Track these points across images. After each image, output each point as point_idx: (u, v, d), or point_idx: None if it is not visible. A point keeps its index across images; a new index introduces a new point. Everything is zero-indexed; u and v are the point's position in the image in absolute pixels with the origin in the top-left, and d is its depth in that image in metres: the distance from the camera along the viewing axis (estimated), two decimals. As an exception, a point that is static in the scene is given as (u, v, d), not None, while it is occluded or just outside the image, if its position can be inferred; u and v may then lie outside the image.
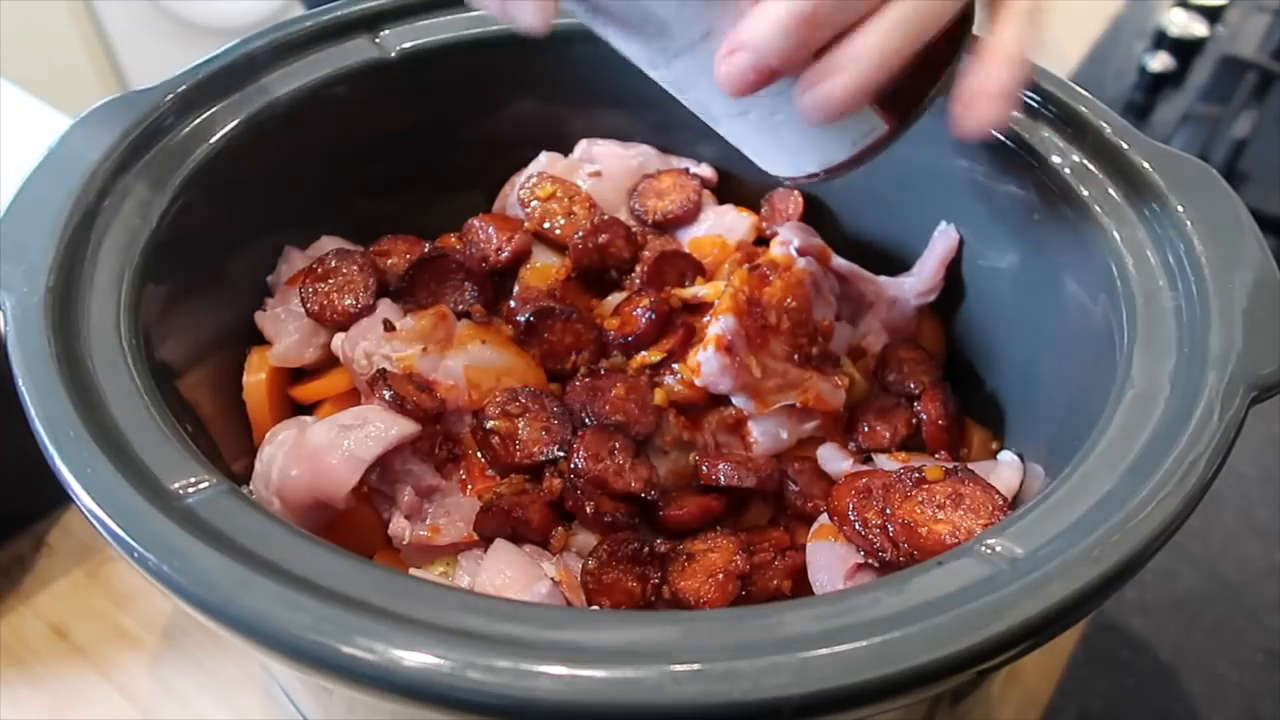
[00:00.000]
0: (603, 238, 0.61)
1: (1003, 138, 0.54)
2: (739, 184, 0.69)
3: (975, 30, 0.45)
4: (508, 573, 0.47)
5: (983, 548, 0.35)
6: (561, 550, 0.51)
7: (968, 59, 0.45)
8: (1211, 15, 1.18)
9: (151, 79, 0.52)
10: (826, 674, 0.30)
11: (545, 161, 0.66)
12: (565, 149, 0.68)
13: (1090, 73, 1.15)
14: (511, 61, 0.63)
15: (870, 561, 0.47)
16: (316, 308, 0.57)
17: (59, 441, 0.37)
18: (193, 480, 0.37)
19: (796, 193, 0.66)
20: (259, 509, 0.36)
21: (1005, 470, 0.52)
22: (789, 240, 0.59)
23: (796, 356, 0.56)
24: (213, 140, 0.52)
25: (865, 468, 0.53)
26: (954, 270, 0.61)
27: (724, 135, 0.50)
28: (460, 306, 0.59)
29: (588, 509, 0.50)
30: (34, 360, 0.39)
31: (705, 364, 0.53)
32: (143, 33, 1.98)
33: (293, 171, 0.58)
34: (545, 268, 0.62)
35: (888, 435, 0.57)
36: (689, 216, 0.65)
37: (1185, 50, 1.13)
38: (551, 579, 0.48)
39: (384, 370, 0.52)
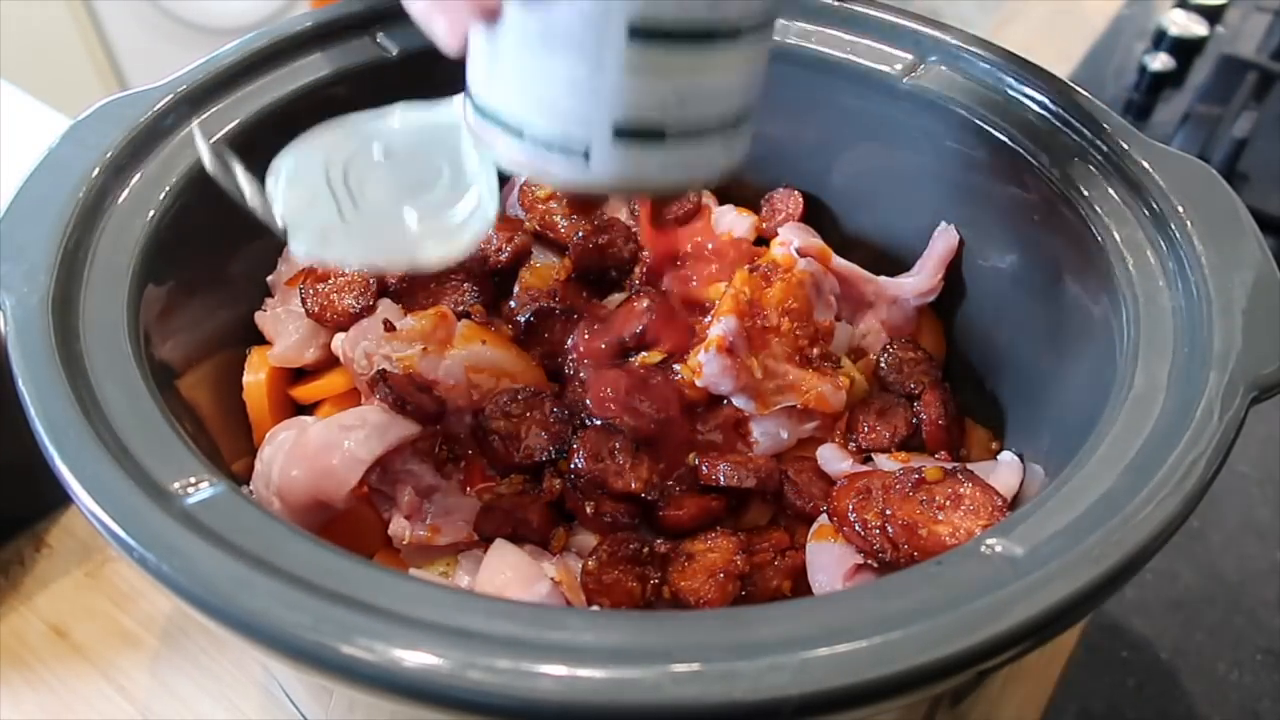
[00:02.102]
0: (603, 238, 0.61)
1: (1003, 138, 0.54)
2: (739, 184, 0.69)
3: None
4: (508, 573, 0.47)
5: (983, 548, 0.35)
6: (561, 550, 0.51)
7: None
8: (1211, 15, 1.17)
9: (151, 79, 0.52)
10: (826, 674, 0.30)
11: (545, 161, 0.66)
12: (565, 149, 0.68)
13: (1090, 73, 1.15)
14: (511, 61, 0.63)
15: (870, 562, 0.47)
16: (316, 308, 0.57)
17: (59, 441, 0.37)
18: (193, 480, 0.37)
19: (796, 193, 0.66)
20: (259, 509, 0.36)
21: (1005, 470, 0.51)
22: (789, 241, 0.59)
23: (797, 357, 0.56)
24: (213, 140, 0.52)
25: (865, 468, 0.53)
26: (954, 270, 0.61)
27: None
28: (460, 306, 0.59)
29: (588, 509, 0.50)
30: (34, 360, 0.39)
31: (706, 365, 0.53)
32: (143, 33, 1.97)
33: (293, 171, 0.58)
34: (545, 268, 0.62)
35: (888, 435, 0.57)
36: (689, 217, 0.65)
37: (1185, 50, 1.12)
38: (551, 579, 0.48)
39: (384, 370, 0.52)
